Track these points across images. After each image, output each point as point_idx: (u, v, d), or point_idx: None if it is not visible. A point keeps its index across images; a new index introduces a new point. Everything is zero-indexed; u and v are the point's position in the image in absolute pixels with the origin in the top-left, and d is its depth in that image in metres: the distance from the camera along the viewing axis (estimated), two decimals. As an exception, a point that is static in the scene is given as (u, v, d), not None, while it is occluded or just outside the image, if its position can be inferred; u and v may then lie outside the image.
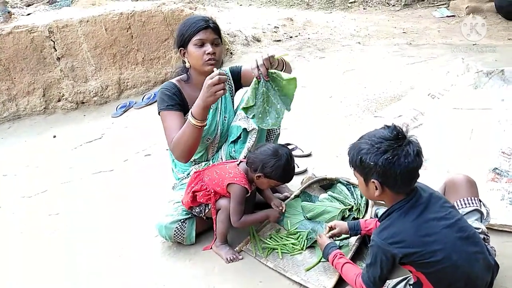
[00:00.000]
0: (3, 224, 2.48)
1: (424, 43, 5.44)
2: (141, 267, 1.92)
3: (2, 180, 3.08)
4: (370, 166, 1.32)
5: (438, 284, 1.32)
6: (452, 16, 6.74)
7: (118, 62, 4.47)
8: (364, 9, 7.96)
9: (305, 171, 2.55)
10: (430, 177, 1.82)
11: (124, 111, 4.26)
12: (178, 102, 1.97)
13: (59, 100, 4.37)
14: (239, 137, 2.07)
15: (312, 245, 1.88)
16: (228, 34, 5.35)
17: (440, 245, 1.27)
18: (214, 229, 1.91)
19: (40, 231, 2.33)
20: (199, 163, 2.18)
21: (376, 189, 1.35)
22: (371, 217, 1.91)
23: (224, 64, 4.67)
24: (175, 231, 1.93)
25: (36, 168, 3.20)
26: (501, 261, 1.50)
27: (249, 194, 1.87)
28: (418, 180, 1.37)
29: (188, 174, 2.17)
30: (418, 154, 1.31)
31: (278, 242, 1.92)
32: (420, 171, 1.36)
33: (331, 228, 1.79)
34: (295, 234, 1.96)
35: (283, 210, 1.98)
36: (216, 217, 1.90)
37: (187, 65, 2.02)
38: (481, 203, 1.58)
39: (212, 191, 1.88)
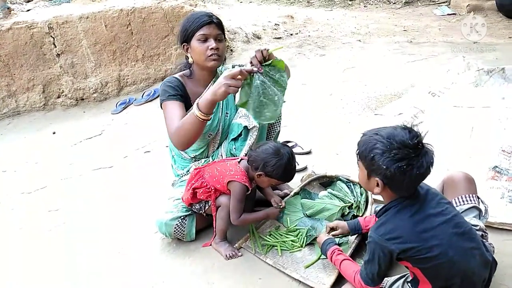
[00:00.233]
0: (2, 220, 2.48)
1: (424, 41, 5.43)
2: (141, 264, 1.93)
3: (2, 176, 3.08)
4: (380, 167, 1.29)
5: (435, 279, 1.32)
6: (453, 14, 6.73)
7: (118, 58, 4.47)
8: (364, 6, 7.94)
9: (305, 169, 2.55)
10: (430, 175, 1.81)
11: (124, 108, 4.25)
12: (180, 94, 1.97)
13: (58, 97, 4.37)
14: (240, 135, 2.07)
15: (312, 242, 1.89)
16: (228, 31, 5.33)
17: (436, 240, 1.28)
18: (214, 226, 1.91)
19: (40, 227, 2.33)
20: (199, 160, 2.18)
21: (377, 186, 1.35)
22: (370, 214, 1.91)
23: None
24: (175, 228, 1.93)
25: (36, 164, 3.20)
26: (500, 259, 1.50)
27: (249, 192, 1.87)
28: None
29: (188, 171, 2.17)
30: (431, 165, 1.29)
31: (277, 239, 1.92)
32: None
33: (332, 229, 1.79)
34: (294, 231, 1.96)
35: (282, 206, 1.98)
36: (216, 214, 1.90)
37: (190, 60, 2.03)
38: (480, 200, 1.58)
39: (213, 188, 1.87)
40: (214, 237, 1.93)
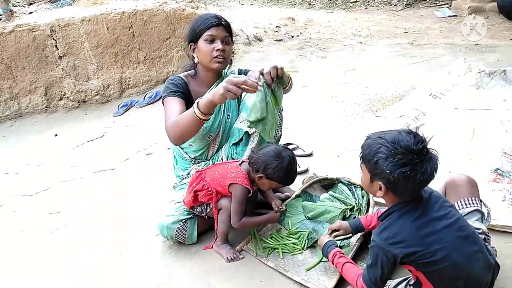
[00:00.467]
0: (4, 222, 2.48)
1: (426, 43, 5.44)
2: (142, 266, 1.93)
3: (4, 179, 3.08)
4: (384, 172, 1.28)
5: (438, 283, 1.32)
6: (454, 16, 6.73)
7: (120, 61, 4.48)
8: (366, 8, 7.95)
9: (306, 171, 2.55)
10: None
11: (126, 110, 4.26)
12: (182, 91, 1.99)
13: (60, 99, 4.38)
14: (241, 140, 2.08)
15: (313, 245, 1.88)
16: (229, 33, 5.35)
17: (440, 244, 1.27)
18: (215, 229, 1.91)
19: (41, 229, 2.34)
20: (199, 163, 2.18)
21: (380, 189, 1.34)
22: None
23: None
24: (176, 231, 1.93)
25: (38, 166, 3.21)
26: (502, 262, 1.50)
27: (250, 194, 1.87)
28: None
29: (188, 173, 2.18)
30: (435, 171, 1.28)
31: (279, 241, 1.92)
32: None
33: (334, 231, 1.78)
34: (296, 234, 1.96)
35: (283, 209, 1.98)
36: (217, 217, 1.90)
37: (196, 60, 2.04)
38: (482, 203, 1.58)
39: (214, 190, 1.87)
40: (216, 239, 1.93)
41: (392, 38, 5.84)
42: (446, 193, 1.63)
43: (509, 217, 1.86)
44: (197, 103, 1.72)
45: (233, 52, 5.07)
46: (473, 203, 1.55)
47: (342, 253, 1.63)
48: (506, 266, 1.57)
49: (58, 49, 4.22)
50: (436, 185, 1.54)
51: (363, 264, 1.70)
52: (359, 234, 1.83)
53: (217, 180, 1.87)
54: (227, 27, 2.01)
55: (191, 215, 1.97)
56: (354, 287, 1.49)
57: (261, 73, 1.63)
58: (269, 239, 1.94)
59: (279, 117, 2.02)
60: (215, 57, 1.96)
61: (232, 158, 2.09)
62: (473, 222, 1.49)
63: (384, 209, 1.64)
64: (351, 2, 8.19)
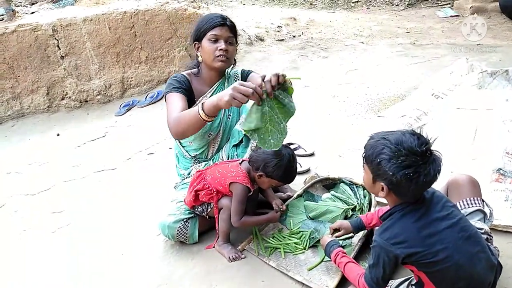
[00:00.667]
0: (6, 221, 2.49)
1: (427, 43, 5.43)
2: (144, 266, 1.93)
3: (6, 178, 3.09)
4: (387, 173, 1.28)
5: (440, 283, 1.32)
6: (456, 16, 6.72)
7: (122, 60, 4.49)
8: (367, 8, 7.94)
9: (308, 171, 2.55)
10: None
11: (128, 110, 4.27)
12: (185, 88, 2.00)
13: (62, 99, 4.39)
14: (241, 141, 2.08)
15: (315, 245, 1.88)
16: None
17: (442, 245, 1.27)
18: (216, 228, 1.91)
19: (43, 229, 2.34)
20: (200, 162, 2.18)
21: (382, 190, 1.34)
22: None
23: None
24: (178, 230, 1.93)
25: (40, 166, 3.21)
26: (505, 262, 1.50)
27: (251, 193, 1.87)
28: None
29: (189, 173, 2.18)
30: (438, 173, 1.27)
31: (280, 241, 1.92)
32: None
33: (335, 230, 1.78)
34: (297, 234, 1.95)
35: (283, 209, 1.98)
36: (218, 216, 1.90)
37: (199, 59, 2.06)
38: (484, 203, 1.57)
39: (215, 190, 1.88)
40: (217, 239, 1.93)
41: (394, 38, 5.83)
42: (448, 193, 1.62)
43: (511, 217, 1.85)
44: (202, 104, 1.69)
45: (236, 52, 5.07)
46: (475, 203, 1.55)
47: (345, 253, 1.62)
48: (509, 266, 1.57)
49: (60, 49, 4.23)
50: (438, 185, 1.53)
51: (365, 264, 1.70)
52: (361, 234, 1.82)
53: (217, 180, 1.87)
54: (231, 27, 2.02)
55: (192, 215, 1.97)
56: (356, 286, 1.48)
57: (262, 80, 1.59)
58: (270, 238, 1.94)
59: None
60: (218, 56, 1.97)
61: (232, 159, 2.09)
62: (475, 222, 1.48)
63: (386, 207, 1.64)
64: (352, 2, 8.19)
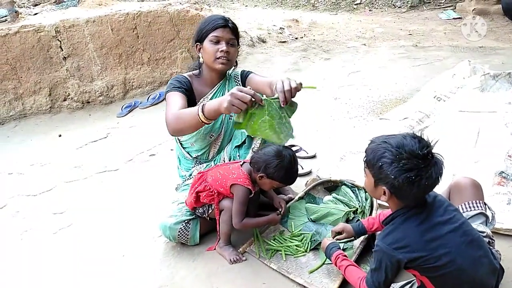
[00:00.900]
0: (7, 222, 2.49)
1: (430, 45, 5.43)
2: (144, 267, 1.93)
3: (8, 179, 3.10)
4: (388, 177, 1.27)
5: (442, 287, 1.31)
6: (459, 18, 6.72)
7: (124, 62, 4.49)
8: (370, 10, 7.94)
9: (309, 173, 2.55)
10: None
11: (129, 111, 4.27)
12: (185, 88, 2.01)
13: (65, 100, 4.39)
14: (243, 142, 2.08)
15: (316, 247, 1.88)
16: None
17: (445, 249, 1.26)
18: (218, 230, 1.91)
19: (45, 229, 2.34)
20: (201, 163, 2.18)
21: (384, 194, 1.33)
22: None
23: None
24: (179, 231, 1.93)
25: (41, 167, 3.22)
26: (506, 266, 1.49)
27: (252, 195, 1.87)
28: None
29: (190, 175, 2.18)
30: (440, 176, 1.27)
31: (281, 243, 1.91)
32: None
33: (338, 233, 1.77)
34: (299, 236, 1.95)
35: (282, 211, 1.97)
36: (219, 218, 1.90)
37: (201, 60, 2.07)
38: (486, 206, 1.56)
39: (216, 191, 1.87)
40: (218, 241, 1.93)
41: (396, 40, 5.83)
42: (450, 196, 1.62)
43: (513, 221, 1.85)
44: (203, 106, 1.67)
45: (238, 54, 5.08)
46: (477, 206, 1.54)
47: (345, 256, 1.62)
48: (511, 269, 1.56)
49: (62, 50, 4.24)
50: (439, 187, 1.53)
51: (367, 267, 1.69)
52: (362, 237, 1.82)
53: (218, 181, 1.87)
54: (233, 29, 2.02)
55: (193, 216, 1.97)
56: (357, 290, 1.48)
57: (283, 90, 1.53)
58: (272, 241, 1.93)
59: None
60: (219, 58, 1.97)
61: (234, 160, 2.09)
62: (477, 225, 1.48)
63: (387, 211, 1.63)
64: (355, 4, 8.19)
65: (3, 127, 4.16)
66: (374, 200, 2.01)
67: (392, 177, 1.26)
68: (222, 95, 2.04)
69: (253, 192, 1.85)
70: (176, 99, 1.91)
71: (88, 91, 4.42)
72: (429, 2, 7.73)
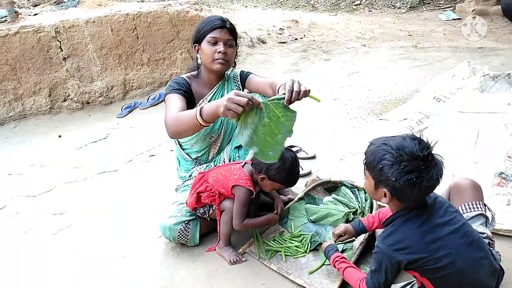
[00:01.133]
0: (7, 223, 2.49)
1: (429, 46, 5.43)
2: (144, 268, 1.93)
3: (7, 179, 3.09)
4: (389, 179, 1.27)
5: (443, 289, 1.31)
6: (458, 19, 6.73)
7: (124, 62, 4.49)
8: (369, 11, 7.95)
9: (309, 174, 2.55)
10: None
11: (129, 112, 4.27)
12: (184, 90, 2.01)
13: (64, 100, 4.39)
14: None
15: (316, 248, 1.88)
16: (233, 35, 5.36)
17: (445, 250, 1.26)
18: (218, 231, 1.91)
19: (44, 230, 2.34)
20: (201, 164, 2.18)
21: (385, 196, 1.33)
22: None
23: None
24: (179, 232, 1.93)
25: (41, 167, 3.22)
26: (506, 267, 1.49)
27: (253, 196, 1.87)
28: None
29: (190, 175, 2.18)
30: (440, 177, 1.27)
31: (281, 244, 1.91)
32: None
33: (340, 236, 1.75)
34: (298, 237, 1.95)
35: (279, 212, 1.97)
36: (220, 219, 1.90)
37: (199, 61, 2.07)
38: (486, 207, 1.56)
39: (217, 192, 1.88)
40: (218, 242, 1.93)
41: (396, 41, 5.83)
42: (450, 197, 1.62)
43: (513, 222, 1.85)
44: (201, 108, 1.64)
45: (237, 55, 5.08)
46: (477, 207, 1.54)
47: (344, 257, 1.62)
48: (511, 271, 1.56)
49: (62, 51, 4.24)
50: (440, 189, 1.53)
51: (366, 268, 1.69)
52: (362, 238, 1.82)
53: (220, 182, 1.87)
54: (231, 30, 2.02)
55: (193, 217, 1.97)
56: (356, 291, 1.48)
57: (291, 91, 1.51)
58: (271, 241, 1.93)
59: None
60: (217, 59, 1.97)
61: (234, 161, 2.09)
62: (477, 227, 1.48)
63: (385, 208, 1.63)
64: (354, 5, 8.20)
65: (2, 128, 4.16)
66: (374, 201, 2.01)
67: (393, 179, 1.26)
68: (221, 95, 2.05)
69: (254, 193, 1.86)
70: (175, 101, 1.91)
71: (88, 92, 4.42)
72: (429, 3, 7.74)
